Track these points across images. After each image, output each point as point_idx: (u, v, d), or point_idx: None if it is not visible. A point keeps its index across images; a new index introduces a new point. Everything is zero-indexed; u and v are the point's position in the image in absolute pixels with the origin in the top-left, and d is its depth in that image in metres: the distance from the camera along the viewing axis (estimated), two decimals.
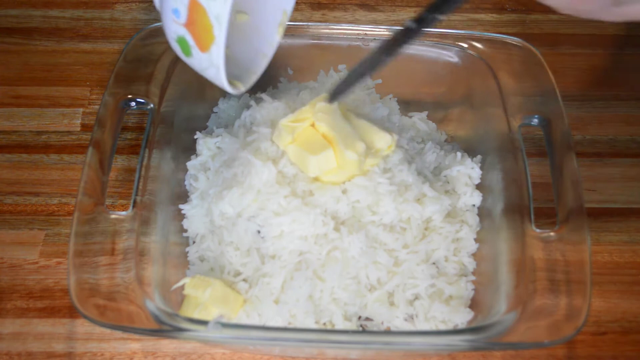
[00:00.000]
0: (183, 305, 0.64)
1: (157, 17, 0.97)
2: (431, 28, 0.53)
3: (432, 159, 0.76)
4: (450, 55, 0.78)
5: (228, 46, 0.53)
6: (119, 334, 0.68)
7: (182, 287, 0.65)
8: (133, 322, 0.57)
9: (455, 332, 0.61)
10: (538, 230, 0.63)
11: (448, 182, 0.75)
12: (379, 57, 0.55)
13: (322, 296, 0.65)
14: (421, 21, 0.51)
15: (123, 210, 0.64)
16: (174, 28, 0.53)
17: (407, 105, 0.82)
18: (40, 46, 0.94)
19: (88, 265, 0.60)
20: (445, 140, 0.81)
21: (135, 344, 0.68)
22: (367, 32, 0.78)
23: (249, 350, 0.68)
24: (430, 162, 0.76)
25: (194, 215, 0.72)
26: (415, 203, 0.69)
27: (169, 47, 0.75)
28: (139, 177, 0.66)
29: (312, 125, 0.68)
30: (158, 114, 0.71)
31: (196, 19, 0.51)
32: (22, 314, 0.70)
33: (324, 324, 0.66)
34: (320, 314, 0.66)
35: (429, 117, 0.82)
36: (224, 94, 0.84)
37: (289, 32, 0.78)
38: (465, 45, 0.76)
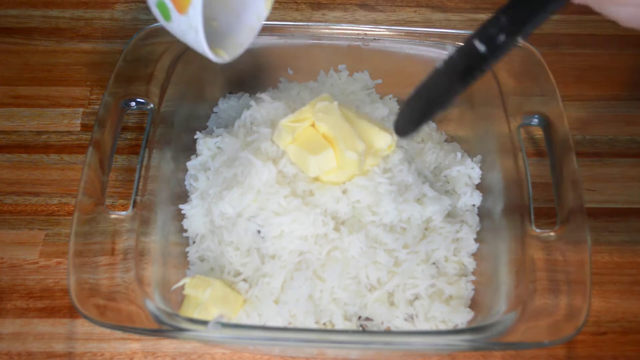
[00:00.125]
0: (183, 305, 0.64)
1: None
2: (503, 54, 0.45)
3: (432, 159, 0.76)
4: None
5: (215, 19, 0.52)
6: (119, 334, 0.68)
7: (182, 287, 0.65)
8: (133, 322, 0.57)
9: (455, 332, 0.61)
10: (538, 230, 0.63)
11: (448, 182, 0.75)
12: (451, 88, 0.46)
13: (322, 296, 0.65)
14: (494, 46, 0.43)
15: (123, 210, 0.64)
16: None
17: None
18: (40, 46, 0.94)
19: (88, 265, 0.60)
20: (445, 140, 0.81)
21: (135, 344, 0.68)
22: (367, 32, 0.78)
23: (249, 350, 0.68)
24: (430, 162, 0.76)
25: (194, 215, 0.72)
26: (415, 203, 0.69)
27: (169, 47, 0.75)
28: (139, 177, 0.66)
29: (312, 125, 0.68)
30: (158, 114, 0.71)
31: None
32: (22, 314, 0.70)
33: (324, 324, 0.66)
34: (320, 314, 0.66)
35: None
36: (224, 93, 0.84)
37: (289, 32, 0.78)
38: None
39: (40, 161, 0.82)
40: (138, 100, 0.71)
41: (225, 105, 0.82)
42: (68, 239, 0.60)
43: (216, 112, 0.82)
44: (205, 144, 0.75)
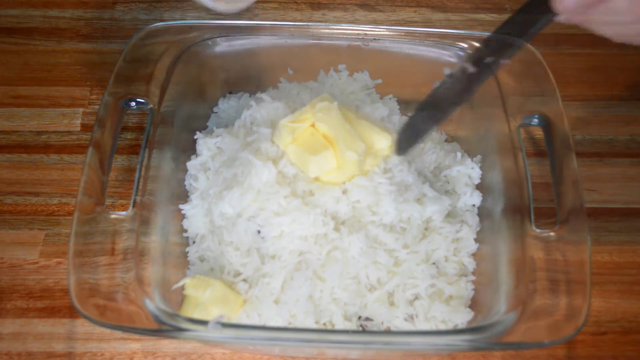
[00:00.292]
0: (183, 305, 0.64)
1: (157, 17, 0.98)
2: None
3: (432, 159, 0.76)
4: (450, 55, 0.78)
5: None
6: (119, 334, 0.68)
7: (182, 287, 0.65)
8: (133, 322, 0.57)
9: (455, 332, 0.61)
10: (538, 230, 0.63)
11: (448, 182, 0.75)
12: (452, 101, 0.55)
13: (322, 296, 0.65)
14: (483, 66, 0.51)
15: (123, 210, 0.64)
16: None
17: (407, 105, 0.82)
18: (40, 46, 0.94)
19: (88, 265, 0.60)
20: (445, 140, 0.81)
21: (135, 344, 0.68)
22: (367, 32, 0.78)
23: (249, 350, 0.68)
24: (430, 162, 0.76)
25: (194, 215, 0.72)
26: (416, 203, 0.69)
27: (169, 47, 0.75)
28: (139, 177, 0.66)
29: (312, 125, 0.68)
30: (158, 114, 0.71)
31: None
32: (22, 314, 0.70)
33: (324, 324, 0.66)
34: (320, 314, 0.66)
35: None
36: (224, 93, 0.84)
37: (289, 32, 0.78)
38: (465, 45, 0.77)
39: (40, 161, 0.82)
40: (138, 100, 0.71)
41: (225, 105, 0.82)
42: (68, 239, 0.60)
43: (216, 112, 0.82)
44: (205, 144, 0.75)
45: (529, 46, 0.74)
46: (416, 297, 0.68)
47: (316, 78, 0.83)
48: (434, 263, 0.70)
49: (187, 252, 0.71)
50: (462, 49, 0.77)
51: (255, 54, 0.80)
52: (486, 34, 0.77)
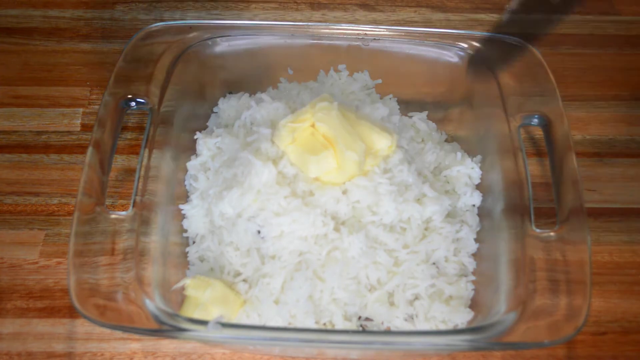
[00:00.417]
0: (184, 306, 0.64)
1: (157, 17, 0.98)
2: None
3: (432, 159, 0.76)
4: (450, 55, 0.78)
5: None
6: (119, 334, 0.68)
7: (183, 287, 0.65)
8: (133, 322, 0.57)
9: (455, 332, 0.61)
10: (538, 230, 0.63)
11: (448, 182, 0.75)
12: None
13: (322, 296, 0.65)
14: None
15: (123, 210, 0.64)
16: None
17: (407, 105, 0.82)
18: (40, 46, 0.94)
19: (88, 265, 0.60)
20: (445, 140, 0.81)
21: (135, 344, 0.68)
22: (367, 32, 0.78)
23: (249, 350, 0.68)
24: (430, 162, 0.76)
25: (194, 215, 0.72)
26: (415, 203, 0.69)
27: (169, 47, 0.75)
28: (139, 177, 0.66)
29: (312, 126, 0.68)
30: (158, 114, 0.71)
31: None
32: (22, 314, 0.70)
33: (324, 324, 0.66)
34: (320, 314, 0.66)
35: (429, 117, 0.82)
36: (224, 93, 0.84)
37: (289, 32, 0.78)
38: (465, 45, 0.77)
39: (40, 161, 0.82)
40: (138, 100, 0.71)
41: (225, 105, 0.82)
42: (68, 239, 0.60)
43: (216, 112, 0.82)
44: (205, 144, 0.75)
45: (529, 46, 0.74)
46: (416, 297, 0.68)
47: (316, 78, 0.83)
48: (434, 263, 0.70)
49: (187, 252, 0.71)
50: (462, 49, 0.77)
51: (255, 54, 0.80)
52: (486, 34, 0.77)
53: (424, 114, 0.82)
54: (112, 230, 0.63)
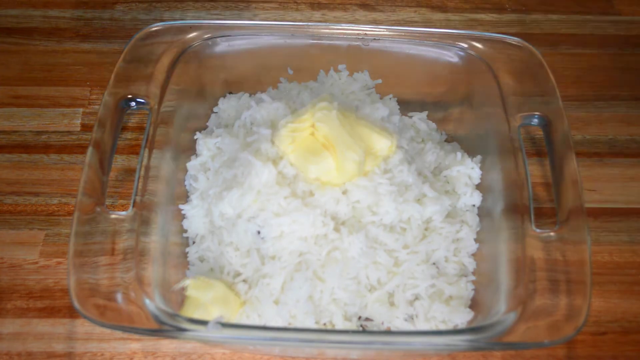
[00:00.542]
0: (184, 306, 0.64)
1: (157, 17, 0.98)
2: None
3: (432, 159, 0.76)
4: (450, 55, 0.78)
5: None
6: (119, 334, 0.68)
7: (183, 287, 0.65)
8: (133, 322, 0.57)
9: (455, 332, 0.61)
10: (538, 230, 0.63)
11: (448, 182, 0.75)
12: None
13: (322, 297, 0.65)
14: None
15: (123, 210, 0.64)
16: None
17: (407, 105, 0.82)
18: (40, 46, 0.94)
19: (88, 265, 0.60)
20: (445, 140, 0.81)
21: (135, 344, 0.68)
22: (367, 32, 0.78)
23: (249, 350, 0.68)
24: (430, 162, 0.76)
25: (194, 215, 0.72)
26: (416, 203, 0.69)
27: (169, 47, 0.75)
28: (139, 177, 0.66)
29: (312, 126, 0.68)
30: (158, 114, 0.71)
31: None
32: (22, 314, 0.70)
33: (324, 324, 0.66)
34: (320, 315, 0.66)
35: (429, 117, 0.82)
36: (224, 93, 0.84)
37: (289, 32, 0.78)
38: (465, 45, 0.77)
39: (40, 161, 0.82)
40: (138, 100, 0.71)
41: (225, 105, 0.82)
42: (68, 239, 0.60)
43: (216, 112, 0.82)
44: (205, 145, 0.75)
45: (529, 46, 0.74)
46: (416, 298, 0.68)
47: (316, 78, 0.83)
48: (434, 263, 0.70)
49: (187, 253, 0.71)
50: (462, 49, 0.77)
51: (255, 54, 0.80)
52: (486, 34, 0.77)
53: (424, 114, 0.82)
54: (112, 230, 0.63)
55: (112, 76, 0.71)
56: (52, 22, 0.97)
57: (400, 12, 1.00)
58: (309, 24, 0.79)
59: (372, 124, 0.70)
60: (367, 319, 0.68)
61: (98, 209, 0.63)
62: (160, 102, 0.72)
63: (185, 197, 0.75)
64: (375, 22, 0.98)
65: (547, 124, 0.70)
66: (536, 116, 0.70)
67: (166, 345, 0.68)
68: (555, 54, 0.94)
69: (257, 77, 0.83)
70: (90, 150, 0.65)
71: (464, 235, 0.71)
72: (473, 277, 0.70)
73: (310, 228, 0.65)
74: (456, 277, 0.70)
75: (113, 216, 0.63)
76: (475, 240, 0.72)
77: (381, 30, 0.78)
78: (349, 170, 0.66)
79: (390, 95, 0.83)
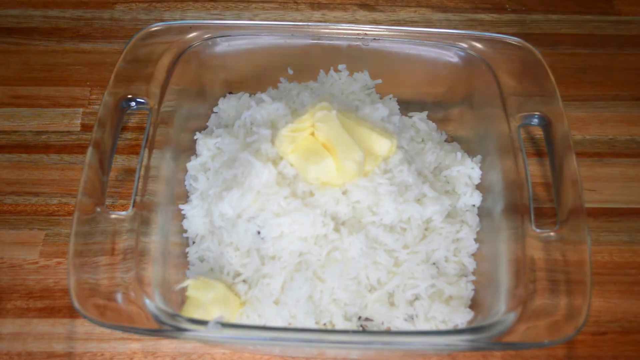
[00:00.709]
0: (185, 306, 0.64)
1: (157, 17, 0.98)
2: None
3: (432, 159, 0.76)
4: (450, 55, 0.78)
5: None
6: (119, 334, 0.68)
7: (183, 287, 0.65)
8: (133, 322, 0.57)
9: (455, 332, 0.61)
10: (538, 230, 0.63)
11: (448, 182, 0.75)
12: None
13: (322, 297, 0.65)
14: None
15: (123, 210, 0.64)
16: None
17: (407, 105, 0.82)
18: (40, 46, 0.94)
19: (88, 265, 0.60)
20: (445, 140, 0.81)
21: (135, 344, 0.68)
22: (367, 32, 0.78)
23: (249, 351, 0.68)
24: (430, 162, 0.76)
25: (194, 215, 0.72)
26: (416, 203, 0.69)
27: (169, 47, 0.75)
28: (139, 177, 0.66)
29: (312, 134, 0.68)
30: (158, 114, 0.71)
31: None
32: (22, 314, 0.70)
33: (324, 324, 0.66)
34: (321, 315, 0.66)
35: (429, 117, 0.82)
36: (224, 93, 0.84)
37: (289, 32, 0.78)
38: (465, 45, 0.77)
39: (40, 161, 0.82)
40: (138, 100, 0.71)
41: (225, 105, 0.82)
42: (68, 239, 0.60)
43: (216, 112, 0.82)
44: (205, 145, 0.75)
45: (529, 46, 0.74)
46: (416, 298, 0.68)
47: (316, 78, 0.83)
48: (434, 263, 0.70)
49: (187, 253, 0.71)
50: (462, 49, 0.77)
51: (255, 54, 0.80)
52: (486, 34, 0.77)
53: (424, 114, 0.82)
54: (112, 230, 0.63)
55: (112, 76, 0.71)
56: (52, 22, 0.97)
57: (400, 12, 1.00)
58: (309, 24, 0.79)
59: (372, 125, 0.70)
60: (367, 319, 0.68)
61: (98, 209, 0.63)
62: (160, 102, 0.72)
63: (185, 197, 0.75)
64: (375, 22, 0.98)
65: (547, 124, 0.70)
66: (536, 116, 0.70)
67: (166, 345, 0.68)
68: (555, 54, 0.94)
69: (257, 77, 0.83)
70: (90, 150, 0.65)
71: (464, 235, 0.71)
72: (473, 277, 0.70)
73: (310, 228, 0.65)
74: (456, 277, 0.70)
75: (113, 216, 0.63)
76: (475, 240, 0.72)
77: (381, 30, 0.78)
78: (349, 170, 0.66)
79: (390, 95, 0.83)
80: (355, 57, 0.80)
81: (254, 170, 0.66)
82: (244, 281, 0.67)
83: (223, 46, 0.79)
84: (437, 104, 0.82)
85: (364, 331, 0.67)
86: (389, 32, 0.78)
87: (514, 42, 0.75)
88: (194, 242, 0.72)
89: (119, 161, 0.81)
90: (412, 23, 0.99)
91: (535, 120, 0.70)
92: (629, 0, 1.01)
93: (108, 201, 0.67)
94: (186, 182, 0.76)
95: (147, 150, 0.68)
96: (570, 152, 0.66)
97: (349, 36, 0.78)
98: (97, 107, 0.86)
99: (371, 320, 0.68)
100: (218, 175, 0.72)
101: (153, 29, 0.76)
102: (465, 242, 0.71)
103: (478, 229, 0.72)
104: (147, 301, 0.58)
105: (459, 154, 0.76)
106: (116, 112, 0.69)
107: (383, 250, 0.66)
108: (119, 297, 0.58)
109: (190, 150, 0.77)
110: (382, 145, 0.69)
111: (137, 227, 0.63)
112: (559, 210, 0.63)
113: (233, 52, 0.79)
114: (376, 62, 0.81)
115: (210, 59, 0.78)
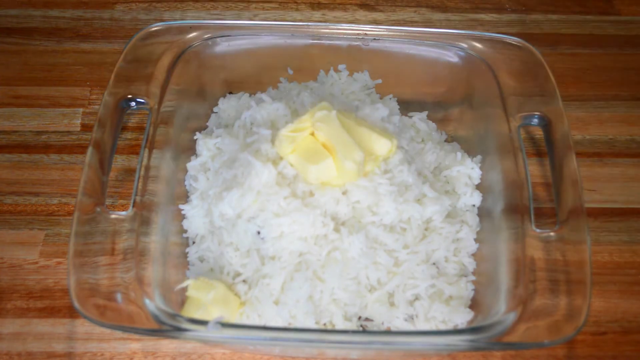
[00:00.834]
0: (185, 306, 0.64)
1: (157, 17, 0.98)
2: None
3: (432, 159, 0.76)
4: (450, 55, 0.78)
5: None
6: (119, 334, 0.68)
7: (183, 287, 0.65)
8: (133, 322, 0.57)
9: (455, 332, 0.61)
10: (538, 230, 0.63)
11: (448, 183, 0.75)
12: None
13: (322, 297, 0.65)
14: None
15: (123, 210, 0.64)
16: None
17: (407, 105, 0.82)
18: (40, 46, 0.94)
19: (88, 265, 0.60)
20: (445, 140, 0.81)
21: (135, 344, 0.68)
22: (367, 32, 0.78)
23: (249, 350, 0.68)
24: (430, 162, 0.76)
25: (194, 215, 0.72)
26: (416, 203, 0.69)
27: (169, 47, 0.75)
28: (139, 177, 0.66)
29: (312, 134, 0.68)
30: (158, 114, 0.71)
31: None
32: (22, 314, 0.70)
33: (324, 324, 0.66)
34: (321, 315, 0.66)
35: (429, 117, 0.82)
36: (224, 93, 0.84)
37: (289, 31, 0.78)
38: (465, 45, 0.77)
39: (40, 161, 0.82)
40: (138, 100, 0.71)
41: (225, 105, 0.82)
42: (68, 239, 0.60)
43: (216, 112, 0.82)
44: (205, 145, 0.75)
45: (529, 46, 0.74)
46: (416, 298, 0.68)
47: (316, 78, 0.83)
48: (434, 263, 0.70)
49: (187, 253, 0.71)
50: (462, 49, 0.77)
51: (255, 54, 0.80)
52: (486, 34, 0.77)
53: (424, 114, 0.82)
54: (112, 230, 0.63)
55: (112, 76, 0.71)
56: (52, 22, 0.97)
57: (400, 12, 1.00)
58: (309, 24, 0.79)
59: (372, 125, 0.70)
60: (367, 319, 0.68)
61: (98, 209, 0.63)
62: (160, 102, 0.72)
63: (185, 197, 0.75)
64: (375, 22, 0.98)
65: (547, 124, 0.70)
66: (536, 116, 0.70)
67: (166, 345, 0.68)
68: (555, 54, 0.94)
69: (257, 77, 0.83)
70: (90, 150, 0.65)
71: (464, 235, 0.71)
72: (473, 277, 0.70)
73: (310, 228, 0.65)
74: (456, 277, 0.70)
75: (113, 216, 0.63)
76: (475, 240, 0.72)
77: (381, 30, 0.78)
78: (349, 170, 0.66)
79: (390, 95, 0.83)
80: (355, 57, 0.80)
81: (254, 171, 0.66)
82: (244, 281, 0.67)
83: (223, 46, 0.79)
84: (437, 104, 0.82)
85: (364, 331, 0.67)
86: (389, 32, 0.78)
87: (514, 42, 0.75)
88: (194, 242, 0.72)
89: (119, 161, 0.81)
90: (412, 23, 0.99)
91: (535, 120, 0.70)
92: (629, 0, 1.01)
93: (108, 201, 0.67)
94: (186, 182, 0.76)
95: (147, 150, 0.68)
96: (570, 152, 0.66)
97: (349, 36, 0.78)
98: (97, 107, 0.86)
99: (371, 320, 0.68)
100: (218, 176, 0.72)
101: (153, 29, 0.76)
102: (465, 242, 0.71)
103: (478, 229, 0.72)
104: (147, 301, 0.58)
105: (459, 154, 0.76)
106: (116, 112, 0.70)
107: (383, 251, 0.66)
108: (119, 297, 0.58)
109: (190, 150, 0.77)
110: (382, 145, 0.69)
111: (137, 227, 0.63)
112: (559, 210, 0.63)
113: (233, 52, 0.79)
114: (376, 62, 0.81)
115: (210, 59, 0.78)
